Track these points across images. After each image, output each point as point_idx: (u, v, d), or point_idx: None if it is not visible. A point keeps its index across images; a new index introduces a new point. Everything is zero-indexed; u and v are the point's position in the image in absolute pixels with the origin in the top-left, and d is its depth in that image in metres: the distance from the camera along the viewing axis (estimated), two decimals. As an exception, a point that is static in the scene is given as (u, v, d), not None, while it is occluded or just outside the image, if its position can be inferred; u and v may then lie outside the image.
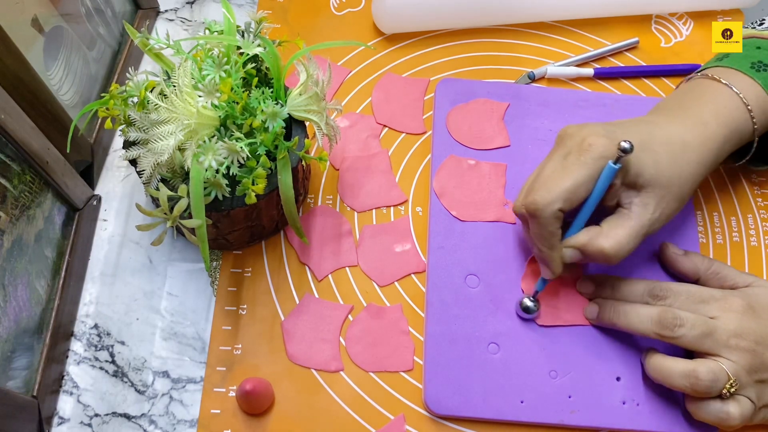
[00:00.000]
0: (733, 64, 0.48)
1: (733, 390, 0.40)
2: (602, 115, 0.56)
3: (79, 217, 0.50)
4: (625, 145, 0.40)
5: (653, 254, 0.50)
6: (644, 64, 0.61)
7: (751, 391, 0.41)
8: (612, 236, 0.43)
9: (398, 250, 0.51)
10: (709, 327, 0.41)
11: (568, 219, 0.44)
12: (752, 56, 0.48)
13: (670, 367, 0.42)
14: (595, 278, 0.47)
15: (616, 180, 0.42)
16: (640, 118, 0.48)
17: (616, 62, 0.61)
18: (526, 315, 0.47)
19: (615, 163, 0.41)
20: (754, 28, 0.53)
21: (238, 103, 0.42)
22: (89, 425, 0.45)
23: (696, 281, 0.47)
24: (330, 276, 0.50)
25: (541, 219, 0.42)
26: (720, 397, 0.41)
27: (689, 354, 0.44)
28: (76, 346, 0.47)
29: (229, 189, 0.42)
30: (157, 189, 0.41)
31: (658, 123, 0.46)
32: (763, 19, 0.53)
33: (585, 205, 0.43)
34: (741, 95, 0.46)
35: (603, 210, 0.44)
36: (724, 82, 0.47)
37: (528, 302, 0.46)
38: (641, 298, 0.45)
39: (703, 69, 0.51)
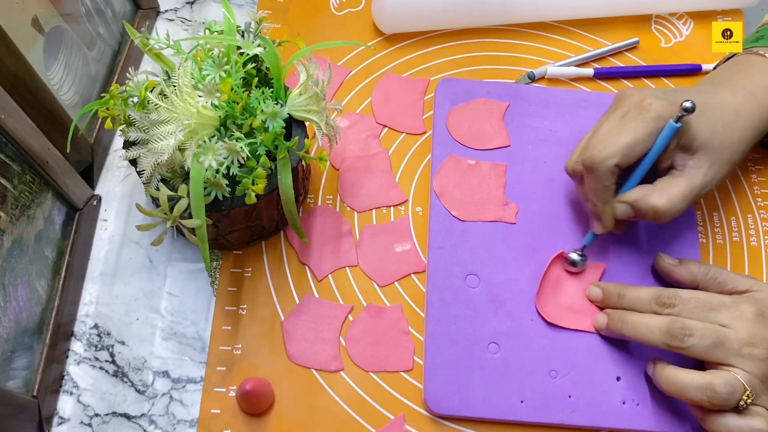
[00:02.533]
0: None
1: (749, 401, 0.40)
2: (602, 115, 0.56)
3: (79, 217, 0.50)
4: (687, 104, 0.42)
5: (651, 266, 0.50)
6: (644, 64, 0.61)
7: (766, 400, 0.40)
8: (665, 194, 0.44)
9: (398, 250, 0.51)
10: (719, 336, 0.41)
11: (621, 181, 0.45)
12: None
13: (684, 380, 0.41)
14: (603, 286, 0.47)
15: (673, 141, 0.44)
16: (692, 87, 0.50)
17: (616, 62, 0.61)
18: (573, 268, 0.48)
19: (676, 121, 0.43)
20: None
21: (238, 103, 0.42)
22: (89, 425, 0.45)
23: (695, 288, 0.46)
24: (330, 276, 0.50)
25: (597, 173, 0.44)
26: (736, 408, 0.40)
27: (698, 363, 0.43)
28: (76, 346, 0.47)
29: (229, 189, 0.42)
30: (157, 189, 0.41)
31: (712, 91, 0.47)
32: None
33: (641, 163, 0.45)
34: None
35: (656, 172, 0.46)
36: None
37: (575, 256, 0.48)
38: (648, 305, 0.44)
39: (745, 48, 0.52)
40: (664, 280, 0.48)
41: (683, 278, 0.46)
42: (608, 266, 0.49)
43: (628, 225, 0.50)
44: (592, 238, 0.48)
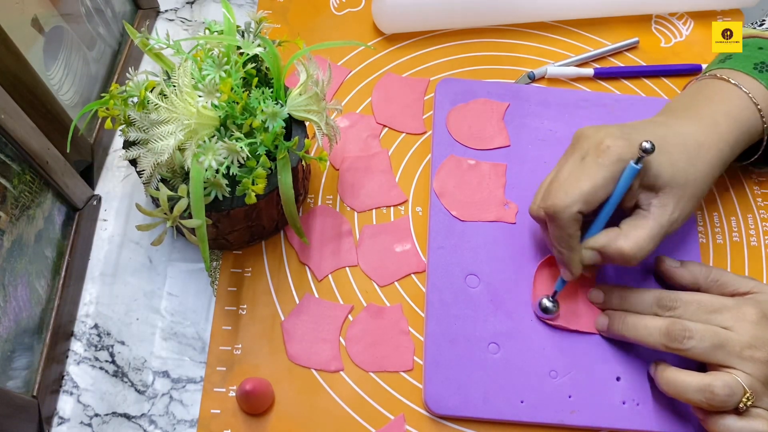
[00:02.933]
0: (736, 65, 0.49)
1: (749, 403, 0.40)
2: (602, 115, 0.56)
3: (79, 217, 0.50)
4: (647, 145, 0.41)
5: (651, 267, 0.50)
6: (644, 64, 0.61)
7: (767, 403, 0.40)
8: (631, 237, 0.43)
9: (398, 250, 0.51)
10: (720, 338, 0.41)
11: (587, 220, 0.44)
12: (755, 57, 0.48)
13: (684, 382, 0.41)
14: (605, 288, 0.47)
15: (635, 181, 0.43)
16: (652, 119, 0.48)
17: (616, 62, 0.61)
18: (545, 315, 0.47)
19: (636, 163, 0.42)
20: (754, 27, 0.53)
21: (238, 103, 0.42)
22: (89, 425, 0.45)
23: (696, 290, 0.46)
24: (330, 276, 0.50)
25: (560, 222, 0.43)
26: (737, 410, 0.40)
27: (701, 364, 0.43)
28: (76, 346, 0.47)
29: (229, 189, 0.42)
30: (157, 189, 0.41)
31: (671, 124, 0.46)
32: (764, 20, 0.53)
33: (605, 206, 0.43)
34: (750, 95, 0.46)
35: (621, 212, 0.45)
36: (733, 82, 0.47)
37: (547, 302, 0.47)
38: (650, 308, 0.44)
39: (708, 70, 0.51)
40: (664, 281, 0.48)
41: (685, 280, 0.46)
42: (607, 268, 0.49)
43: (599, 269, 0.49)
44: (563, 284, 0.46)
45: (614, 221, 0.44)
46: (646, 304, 0.44)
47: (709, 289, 0.45)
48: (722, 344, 0.40)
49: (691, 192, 0.44)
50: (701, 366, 0.43)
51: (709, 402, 0.40)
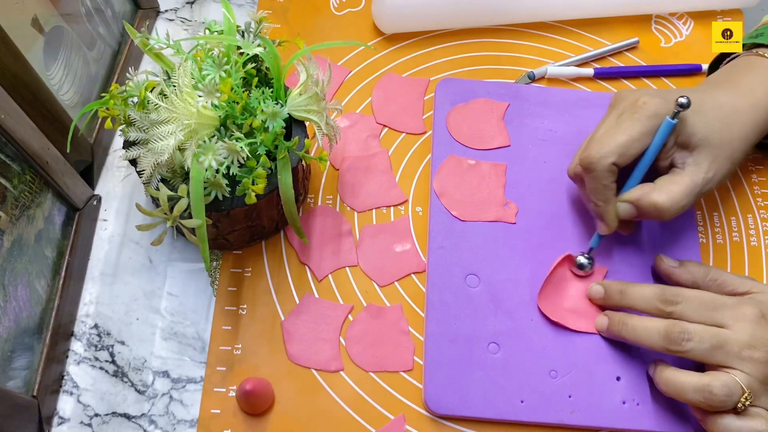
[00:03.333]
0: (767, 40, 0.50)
1: (748, 403, 0.40)
2: (602, 114, 0.56)
3: (79, 217, 0.50)
4: (683, 100, 0.42)
5: (651, 268, 0.50)
6: (644, 64, 0.61)
7: (766, 402, 0.40)
8: (666, 191, 0.44)
9: (398, 250, 0.51)
10: (719, 339, 0.40)
11: (623, 175, 0.45)
12: None
13: (682, 382, 0.41)
14: (605, 284, 0.47)
15: (670, 139, 0.44)
16: (690, 88, 0.50)
17: (616, 62, 0.61)
18: (581, 272, 0.48)
19: (673, 118, 0.43)
20: None
21: (238, 103, 0.42)
22: (89, 425, 0.45)
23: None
24: (330, 276, 0.50)
25: (595, 173, 0.44)
26: (735, 410, 0.40)
27: (700, 364, 0.43)
28: (76, 346, 0.47)
29: (229, 189, 0.42)
30: (157, 189, 0.41)
31: (708, 91, 0.47)
32: None
33: (641, 161, 0.45)
34: None
35: (657, 172, 0.46)
36: None
37: (583, 259, 0.48)
38: (651, 302, 0.44)
39: (745, 44, 0.52)
40: (663, 281, 0.48)
41: (684, 280, 0.46)
42: (610, 268, 0.49)
43: (635, 225, 0.49)
44: (599, 240, 0.48)
45: (650, 180, 0.46)
46: (648, 298, 0.44)
47: (708, 288, 0.45)
48: (721, 345, 0.40)
49: (727, 153, 0.45)
50: (700, 365, 0.43)
51: (708, 402, 0.40)
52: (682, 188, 0.44)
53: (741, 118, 0.46)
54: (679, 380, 0.41)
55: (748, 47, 0.52)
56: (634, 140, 0.44)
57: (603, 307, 0.47)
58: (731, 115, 0.46)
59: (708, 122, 0.45)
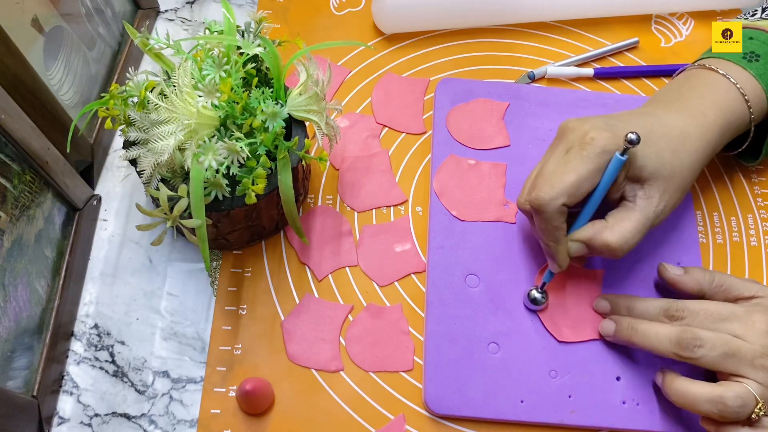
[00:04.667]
0: (725, 55, 0.49)
1: (762, 413, 0.39)
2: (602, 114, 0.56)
3: (79, 217, 0.50)
4: (632, 136, 0.41)
5: (650, 269, 0.49)
6: (644, 64, 0.61)
7: None
8: (617, 230, 0.43)
9: (398, 250, 0.51)
10: (731, 347, 0.40)
11: (573, 211, 0.44)
12: (745, 46, 0.48)
13: (694, 393, 0.40)
14: (611, 297, 0.47)
15: (621, 173, 0.43)
16: (638, 110, 0.48)
17: (616, 62, 0.61)
18: (534, 306, 0.47)
19: (622, 154, 0.42)
20: (747, 18, 0.53)
21: (238, 103, 0.42)
22: (89, 425, 0.45)
23: (701, 297, 0.45)
24: (330, 276, 0.50)
25: (545, 214, 0.43)
26: (749, 420, 0.40)
27: (709, 371, 0.42)
28: (76, 346, 0.47)
29: (229, 189, 0.42)
30: (157, 189, 0.41)
31: (657, 115, 0.46)
32: (756, 10, 0.53)
33: (590, 198, 0.43)
34: (738, 85, 0.46)
35: (607, 204, 0.45)
36: (721, 72, 0.47)
37: (536, 293, 0.47)
38: (657, 317, 0.44)
39: (698, 60, 0.51)
40: (665, 288, 0.48)
41: (689, 288, 0.45)
42: (607, 269, 0.49)
43: (586, 259, 0.48)
44: (551, 276, 0.46)
45: (600, 213, 0.44)
46: (653, 313, 0.44)
47: (713, 295, 0.44)
48: (733, 353, 0.40)
49: (677, 183, 0.44)
50: (709, 373, 0.43)
51: (722, 413, 0.39)
52: (634, 225, 0.43)
53: (691, 144, 0.44)
54: (691, 391, 0.41)
55: (699, 62, 0.50)
56: (584, 179, 0.42)
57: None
58: (681, 142, 0.44)
59: (658, 153, 0.43)
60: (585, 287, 0.48)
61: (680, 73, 0.52)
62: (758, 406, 0.39)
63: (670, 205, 0.44)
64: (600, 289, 0.48)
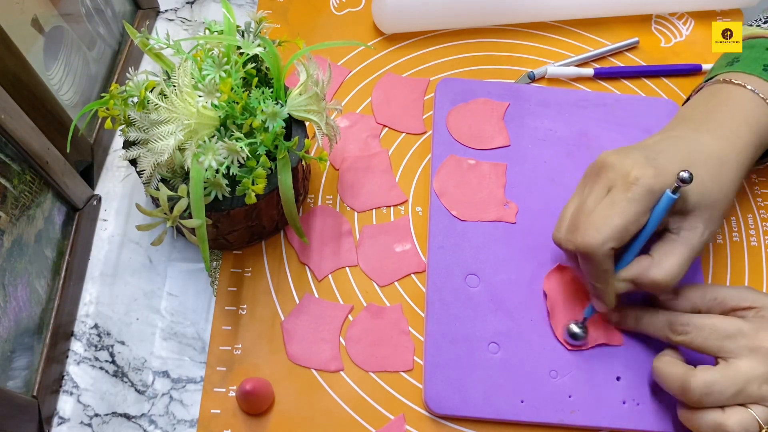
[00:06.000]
0: (746, 68, 0.47)
1: None
2: (602, 114, 0.56)
3: (79, 217, 0.50)
4: (684, 174, 0.39)
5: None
6: (644, 64, 0.61)
7: None
8: (665, 266, 0.42)
9: (398, 250, 0.51)
10: (737, 386, 0.39)
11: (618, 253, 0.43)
12: (764, 58, 0.47)
13: (699, 419, 0.40)
14: (620, 308, 0.46)
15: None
16: (669, 132, 0.46)
17: (616, 62, 0.61)
18: (573, 341, 0.46)
19: (673, 192, 0.40)
20: (759, 26, 0.52)
21: (238, 103, 0.42)
22: (89, 425, 0.45)
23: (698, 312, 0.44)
24: (330, 276, 0.50)
25: (594, 259, 0.41)
26: None
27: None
28: (76, 346, 0.47)
29: (229, 189, 0.42)
30: (157, 189, 0.41)
31: (690, 138, 0.45)
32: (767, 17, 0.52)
33: (638, 237, 0.42)
34: (766, 100, 0.45)
35: (650, 238, 0.43)
36: (749, 87, 0.46)
37: (575, 328, 0.46)
38: (663, 332, 0.43)
39: (716, 74, 0.50)
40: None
41: (684, 309, 0.44)
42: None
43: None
44: (592, 312, 0.46)
45: (645, 247, 0.43)
46: (659, 326, 0.44)
47: (710, 310, 0.43)
48: (741, 390, 0.39)
49: (720, 210, 0.43)
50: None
51: None
52: (679, 259, 0.42)
53: (729, 169, 0.43)
54: (695, 415, 0.41)
55: (721, 75, 0.49)
56: (631, 223, 0.41)
57: (615, 327, 0.47)
58: (719, 168, 0.43)
59: (700, 183, 0.42)
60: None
61: (702, 88, 0.50)
62: (763, 431, 0.38)
63: (713, 232, 0.43)
64: None
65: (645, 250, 0.43)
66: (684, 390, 0.40)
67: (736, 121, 0.45)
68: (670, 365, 0.42)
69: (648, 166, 0.41)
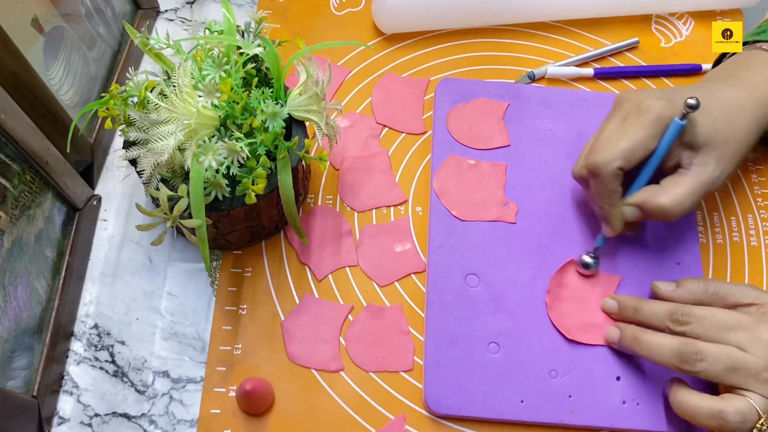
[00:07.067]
0: None
1: (765, 428, 0.38)
2: (602, 114, 0.56)
3: (79, 217, 0.50)
4: (692, 101, 0.42)
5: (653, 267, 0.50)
6: (644, 64, 0.61)
7: None
8: (671, 193, 0.44)
9: (398, 250, 0.51)
10: (734, 361, 0.39)
11: (627, 183, 0.46)
12: None
13: (695, 405, 0.40)
14: (619, 298, 0.47)
15: (676, 140, 0.44)
16: (693, 85, 0.50)
17: (616, 62, 0.61)
18: (585, 271, 0.48)
19: (681, 119, 0.43)
20: None
21: (238, 103, 0.42)
22: (89, 425, 0.45)
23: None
24: (330, 276, 0.50)
25: (601, 177, 0.44)
26: None
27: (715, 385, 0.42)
28: (76, 346, 0.47)
29: (229, 189, 0.42)
30: (157, 189, 0.41)
31: (711, 89, 0.47)
32: None
33: (647, 163, 0.45)
34: None
35: (663, 172, 0.46)
36: None
37: (587, 258, 0.48)
38: (663, 321, 0.43)
39: (747, 41, 0.52)
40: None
41: (685, 301, 0.45)
42: (623, 278, 0.49)
43: (640, 226, 0.50)
44: (604, 240, 0.48)
45: (656, 181, 0.46)
46: (660, 316, 0.44)
47: (711, 304, 0.44)
48: (737, 367, 0.39)
49: (732, 151, 0.45)
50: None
51: (722, 428, 0.39)
52: (687, 189, 0.44)
53: (745, 114, 0.46)
54: (692, 403, 0.41)
55: (750, 44, 0.52)
56: (640, 145, 0.43)
57: (616, 318, 0.47)
58: (735, 111, 0.46)
59: (713, 121, 0.44)
60: (599, 292, 0.48)
61: (732, 55, 0.53)
62: (760, 422, 0.38)
63: (725, 173, 0.45)
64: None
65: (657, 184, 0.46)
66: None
67: (757, 77, 0.48)
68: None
69: (661, 98, 0.44)
